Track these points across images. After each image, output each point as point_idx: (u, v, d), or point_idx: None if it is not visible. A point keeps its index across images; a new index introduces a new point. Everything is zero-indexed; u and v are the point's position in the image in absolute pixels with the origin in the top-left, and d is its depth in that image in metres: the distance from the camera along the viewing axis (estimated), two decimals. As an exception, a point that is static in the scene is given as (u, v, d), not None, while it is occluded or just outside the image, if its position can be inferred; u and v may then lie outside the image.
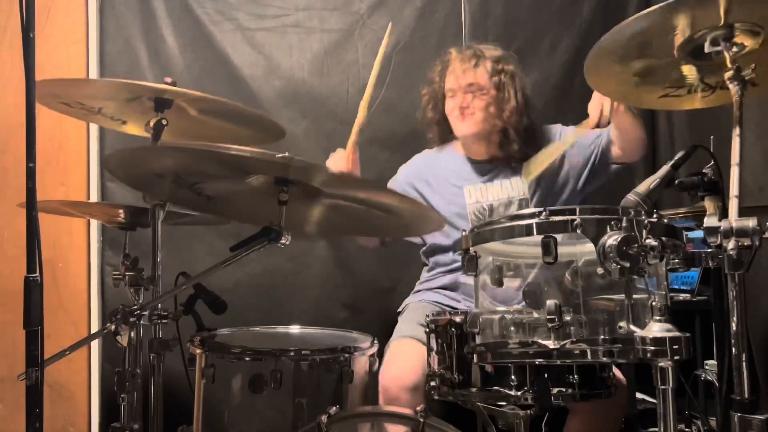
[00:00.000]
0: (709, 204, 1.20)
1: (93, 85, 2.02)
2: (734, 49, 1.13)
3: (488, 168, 2.08)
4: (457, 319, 1.26)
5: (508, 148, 2.03)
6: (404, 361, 1.70)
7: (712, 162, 1.23)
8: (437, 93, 2.09)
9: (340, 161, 2.00)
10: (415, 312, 1.94)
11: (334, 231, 2.01)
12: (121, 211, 1.81)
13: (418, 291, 2.13)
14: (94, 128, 2.57)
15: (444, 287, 2.05)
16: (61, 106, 1.67)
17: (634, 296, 1.06)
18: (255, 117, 1.84)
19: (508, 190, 2.03)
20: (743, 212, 1.06)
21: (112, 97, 1.67)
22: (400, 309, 2.11)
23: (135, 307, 1.40)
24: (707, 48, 1.16)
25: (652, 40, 1.21)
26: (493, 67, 2.01)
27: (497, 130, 2.02)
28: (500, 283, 1.16)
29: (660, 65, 1.28)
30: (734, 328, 1.06)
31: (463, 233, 1.21)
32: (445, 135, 2.14)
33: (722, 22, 1.13)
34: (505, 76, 2.01)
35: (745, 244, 1.04)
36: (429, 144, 2.21)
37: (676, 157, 1.27)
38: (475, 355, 1.19)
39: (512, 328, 1.15)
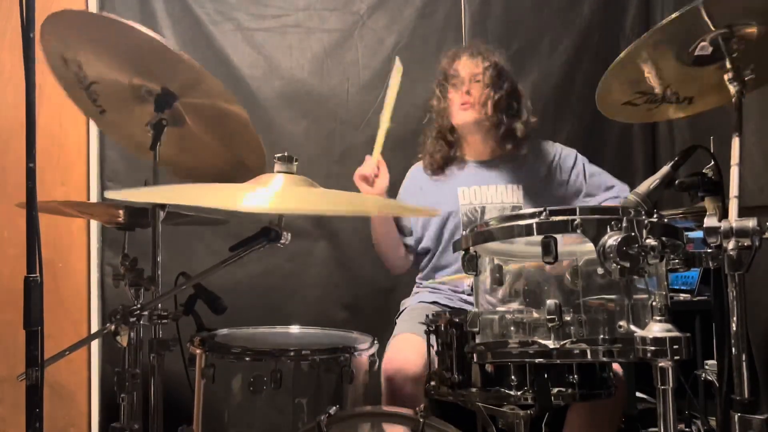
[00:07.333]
0: (709, 204, 1.20)
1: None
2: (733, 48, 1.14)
3: (484, 171, 2.09)
4: (457, 319, 1.26)
5: (504, 147, 2.06)
6: (406, 353, 1.71)
7: (712, 162, 1.23)
8: (441, 111, 2.12)
9: (368, 167, 2.04)
10: (413, 312, 1.95)
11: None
12: (120, 211, 1.80)
13: (417, 293, 2.14)
14: (94, 128, 2.57)
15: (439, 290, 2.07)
16: (59, 61, 1.57)
17: (634, 296, 1.05)
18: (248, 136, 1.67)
19: (503, 196, 2.04)
20: (743, 212, 1.06)
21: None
22: (397, 316, 2.11)
23: (135, 307, 1.40)
24: (705, 51, 1.16)
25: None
26: (493, 65, 2.04)
27: (494, 125, 2.04)
28: (500, 282, 1.16)
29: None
30: (734, 328, 1.07)
31: (463, 233, 1.21)
32: (445, 157, 2.14)
33: (721, 22, 1.14)
34: (503, 76, 2.05)
35: (745, 244, 1.05)
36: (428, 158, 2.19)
37: (676, 158, 1.27)
38: (474, 355, 1.19)
39: (512, 328, 1.15)
